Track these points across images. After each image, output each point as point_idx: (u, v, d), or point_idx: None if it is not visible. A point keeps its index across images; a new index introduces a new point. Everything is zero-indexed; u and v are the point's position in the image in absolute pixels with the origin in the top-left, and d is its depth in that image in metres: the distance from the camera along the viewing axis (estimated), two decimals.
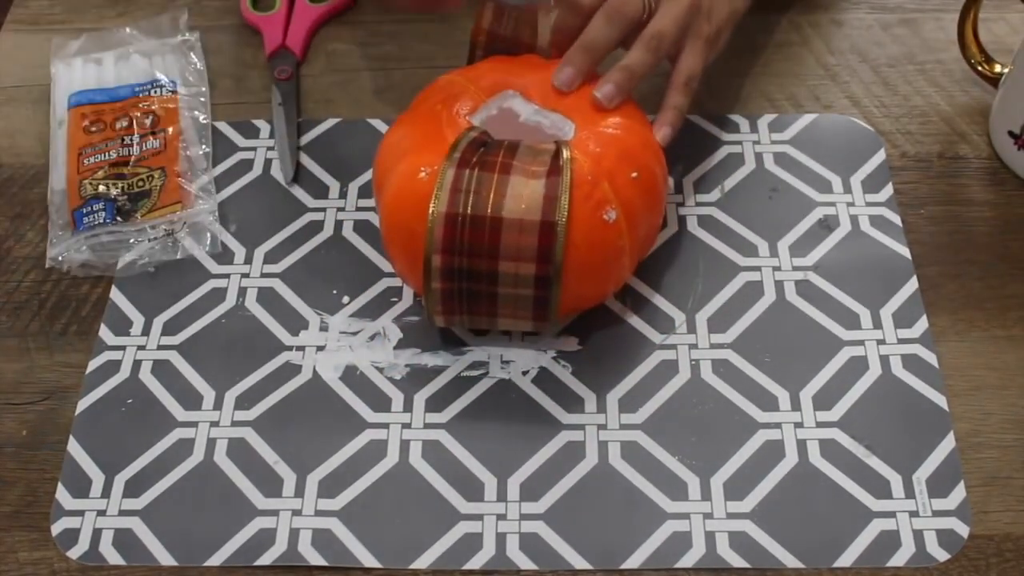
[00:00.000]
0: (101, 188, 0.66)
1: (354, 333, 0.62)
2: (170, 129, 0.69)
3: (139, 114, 0.70)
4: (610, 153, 0.57)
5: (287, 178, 0.68)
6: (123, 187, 0.66)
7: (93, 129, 0.69)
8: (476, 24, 0.62)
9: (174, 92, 0.71)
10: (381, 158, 0.59)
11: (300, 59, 0.75)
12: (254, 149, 0.70)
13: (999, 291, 0.62)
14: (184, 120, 0.70)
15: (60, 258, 0.65)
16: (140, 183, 0.66)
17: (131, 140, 0.68)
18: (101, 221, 0.65)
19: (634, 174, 0.56)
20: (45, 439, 0.59)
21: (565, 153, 0.55)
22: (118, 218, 0.65)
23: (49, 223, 0.67)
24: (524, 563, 0.54)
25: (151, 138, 0.69)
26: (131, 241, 0.65)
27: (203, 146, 0.70)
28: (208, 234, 0.66)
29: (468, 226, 0.53)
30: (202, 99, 0.72)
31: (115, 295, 0.64)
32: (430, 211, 0.53)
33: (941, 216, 0.66)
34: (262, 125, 0.72)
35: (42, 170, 0.70)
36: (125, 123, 0.69)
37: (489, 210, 0.53)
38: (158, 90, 0.71)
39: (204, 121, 0.71)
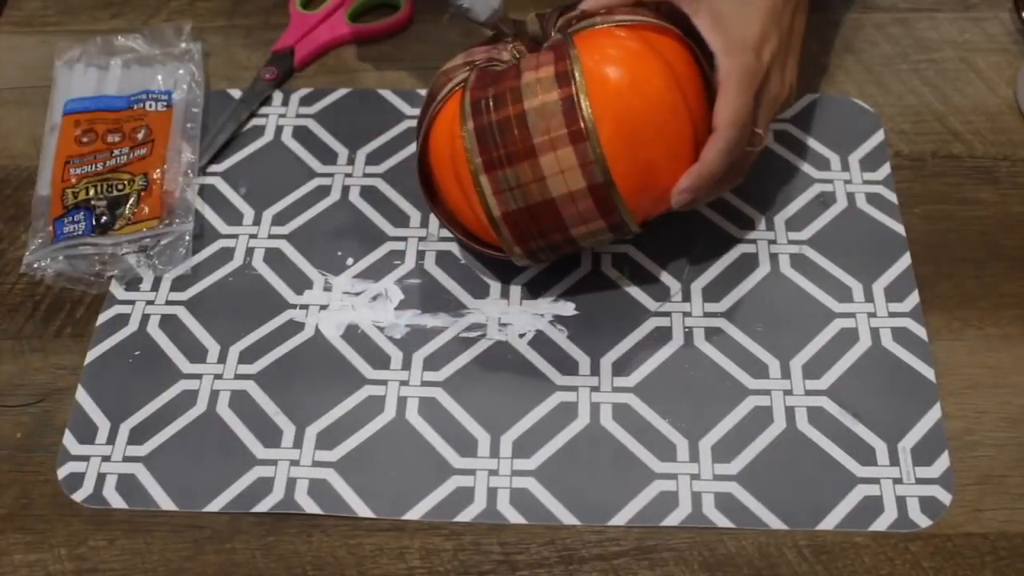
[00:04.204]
0: (82, 194, 0.65)
1: (357, 293, 0.63)
2: (160, 140, 0.69)
3: (131, 127, 0.69)
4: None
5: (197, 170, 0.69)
6: (103, 187, 0.66)
7: (84, 139, 0.69)
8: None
9: (168, 105, 0.71)
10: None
11: (297, 67, 0.75)
12: (266, 116, 0.72)
13: (993, 289, 0.62)
14: (175, 132, 0.70)
15: (36, 266, 0.64)
16: (120, 186, 0.66)
17: (119, 152, 0.68)
18: (80, 232, 0.64)
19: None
20: (40, 441, 0.59)
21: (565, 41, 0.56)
22: (96, 231, 0.64)
23: (31, 227, 0.66)
24: (514, 517, 0.55)
25: (140, 148, 0.68)
26: (108, 254, 0.64)
27: (191, 156, 0.69)
28: (181, 252, 0.65)
29: (497, 132, 0.54)
30: (195, 110, 0.72)
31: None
32: (463, 132, 0.55)
33: (935, 215, 0.66)
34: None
35: (36, 173, 0.69)
36: (117, 138, 0.69)
37: (511, 108, 0.54)
38: (153, 102, 0.71)
39: (193, 128, 0.70)
